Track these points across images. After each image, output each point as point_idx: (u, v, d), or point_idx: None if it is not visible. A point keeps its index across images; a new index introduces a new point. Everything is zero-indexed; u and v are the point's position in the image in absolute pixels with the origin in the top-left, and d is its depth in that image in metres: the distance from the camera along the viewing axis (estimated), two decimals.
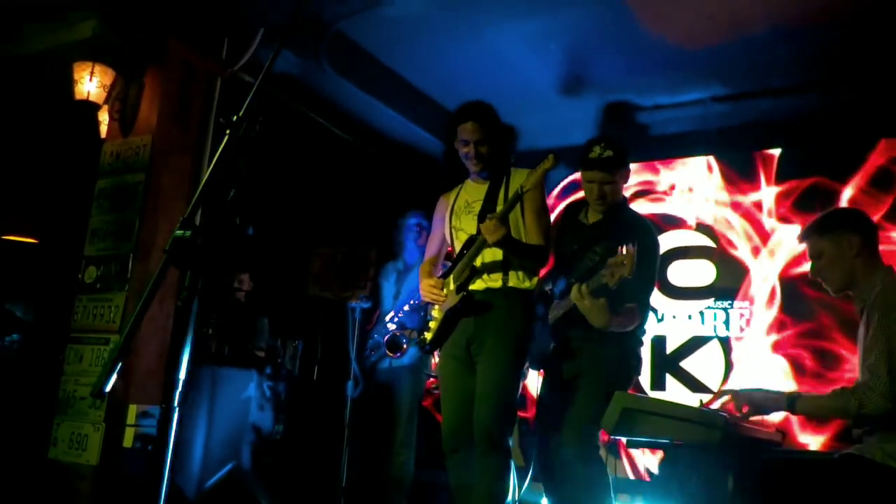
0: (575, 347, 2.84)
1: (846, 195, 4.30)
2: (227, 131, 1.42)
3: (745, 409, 2.38)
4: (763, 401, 2.38)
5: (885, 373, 2.13)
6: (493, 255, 2.82)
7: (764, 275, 4.47)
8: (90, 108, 3.86)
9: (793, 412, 2.35)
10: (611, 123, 4.80)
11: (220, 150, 1.41)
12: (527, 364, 2.90)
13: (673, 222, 4.82)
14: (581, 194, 3.03)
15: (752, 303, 4.46)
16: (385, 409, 4.17)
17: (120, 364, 1.15)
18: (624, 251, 2.42)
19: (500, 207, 2.80)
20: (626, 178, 2.94)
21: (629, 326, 2.77)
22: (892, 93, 4.17)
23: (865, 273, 2.34)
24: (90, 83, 3.79)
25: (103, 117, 4.14)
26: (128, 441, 3.46)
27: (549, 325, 2.91)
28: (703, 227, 4.74)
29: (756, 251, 4.53)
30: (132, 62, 3.96)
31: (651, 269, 2.80)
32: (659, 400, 2.52)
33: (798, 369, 4.24)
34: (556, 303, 2.92)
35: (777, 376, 4.27)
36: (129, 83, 3.95)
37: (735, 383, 4.35)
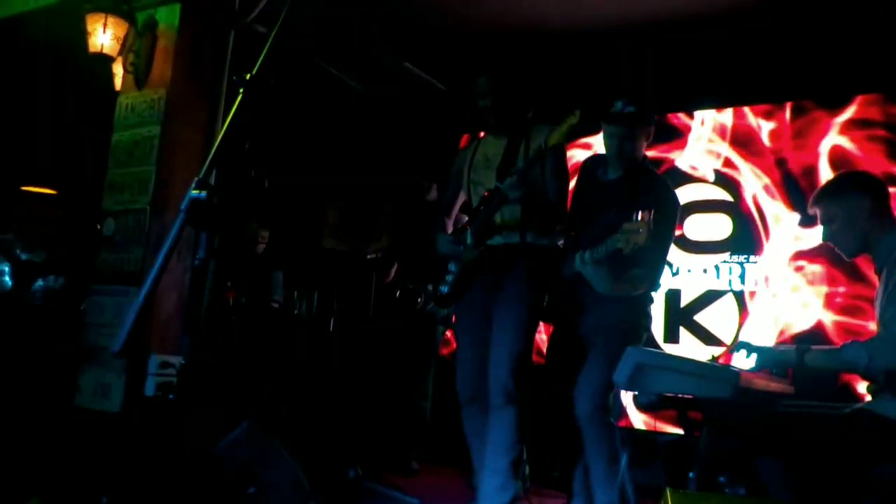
0: (586, 304, 2.85)
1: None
2: (241, 90, 1.41)
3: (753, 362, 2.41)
4: (772, 354, 2.40)
5: None
6: (511, 211, 2.82)
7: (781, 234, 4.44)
8: (104, 60, 3.84)
9: (802, 366, 2.35)
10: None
11: (233, 108, 1.41)
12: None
13: (687, 179, 4.77)
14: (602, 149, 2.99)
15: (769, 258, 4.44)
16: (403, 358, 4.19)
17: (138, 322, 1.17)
18: (640, 217, 2.39)
19: (520, 163, 2.78)
20: (648, 136, 2.87)
21: (636, 292, 2.77)
22: None
23: (880, 235, 2.32)
24: (104, 35, 3.77)
25: (117, 69, 4.12)
26: (149, 390, 3.56)
27: (563, 280, 2.91)
28: (721, 180, 4.69)
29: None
30: (146, 14, 3.92)
31: (668, 235, 2.79)
32: (671, 355, 2.53)
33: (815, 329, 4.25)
34: (569, 258, 2.92)
35: (792, 332, 4.28)
36: (142, 35, 3.92)
37: (748, 337, 4.37)
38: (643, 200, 2.54)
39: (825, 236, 2.46)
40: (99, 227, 3.96)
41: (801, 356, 2.32)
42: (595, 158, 3.11)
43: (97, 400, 3.63)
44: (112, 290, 3.77)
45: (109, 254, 3.83)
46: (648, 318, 2.90)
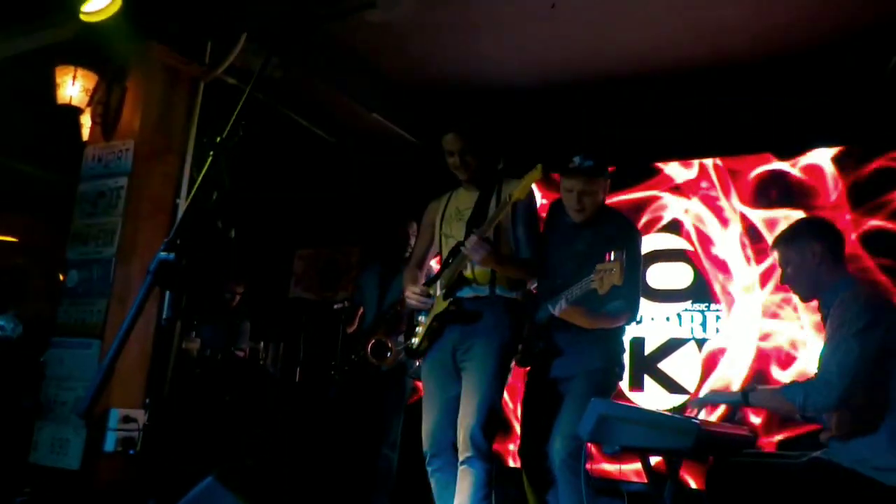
0: (562, 349, 2.86)
1: None
2: (211, 152, 1.44)
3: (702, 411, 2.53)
4: (717, 397, 2.57)
5: (835, 376, 2.22)
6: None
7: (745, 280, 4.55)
8: (72, 112, 3.85)
9: (747, 404, 2.48)
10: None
11: (203, 170, 1.44)
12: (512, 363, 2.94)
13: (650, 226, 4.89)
14: None
15: (729, 305, 4.54)
16: (372, 409, 4.13)
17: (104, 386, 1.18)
18: (612, 258, 2.44)
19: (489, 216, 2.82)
20: (606, 189, 2.92)
21: (615, 325, 2.83)
22: None
23: (828, 281, 2.41)
24: (72, 87, 3.79)
25: (85, 120, 4.13)
26: (109, 445, 3.47)
27: (537, 324, 2.92)
28: (678, 229, 4.81)
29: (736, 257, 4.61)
30: (114, 66, 3.95)
31: (638, 266, 2.88)
32: (633, 407, 2.58)
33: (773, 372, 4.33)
34: (542, 303, 2.96)
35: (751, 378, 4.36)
36: (111, 87, 3.94)
37: (711, 385, 4.44)
38: (614, 239, 2.64)
39: (783, 279, 2.55)
40: (62, 277, 3.92)
41: (745, 395, 2.46)
42: (560, 201, 3.16)
43: (54, 457, 3.53)
44: (73, 343, 3.70)
45: (72, 305, 3.77)
46: (622, 367, 2.92)
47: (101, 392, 1.17)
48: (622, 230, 2.88)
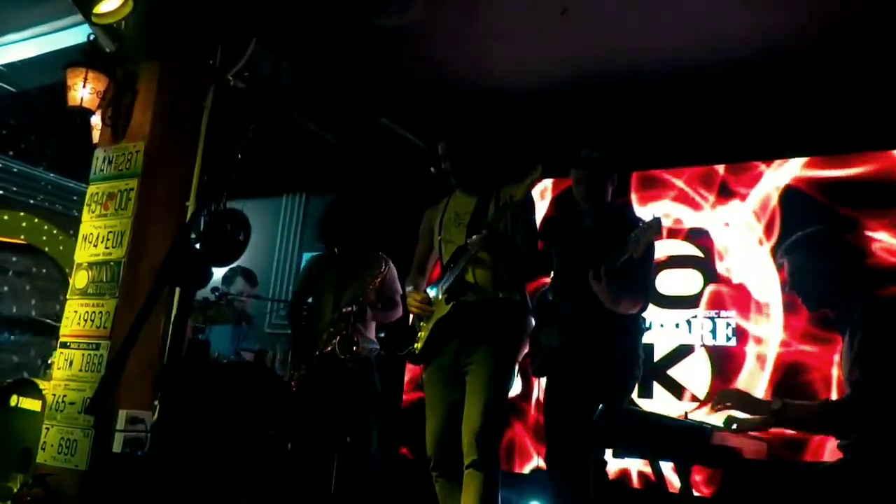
0: (578, 352, 2.91)
1: None
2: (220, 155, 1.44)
3: (727, 406, 2.41)
4: (747, 401, 2.40)
5: (867, 390, 2.18)
6: (482, 266, 2.84)
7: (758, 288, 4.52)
8: (83, 113, 3.87)
9: (778, 420, 2.33)
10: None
11: (212, 173, 1.43)
12: (517, 371, 2.94)
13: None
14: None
15: (739, 312, 4.51)
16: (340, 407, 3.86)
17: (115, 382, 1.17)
18: (645, 223, 2.76)
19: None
20: (613, 182, 3.12)
21: (633, 309, 2.93)
22: None
23: (846, 294, 2.37)
24: (83, 89, 3.80)
25: (96, 122, 4.14)
26: (117, 446, 3.47)
27: (551, 330, 2.99)
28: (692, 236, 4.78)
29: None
30: (125, 69, 3.97)
31: (651, 259, 3.02)
32: (645, 411, 2.56)
33: (786, 381, 4.29)
34: (556, 304, 3.04)
35: (763, 388, 4.32)
36: (121, 89, 3.95)
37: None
38: (626, 230, 2.80)
39: (789, 287, 2.48)
40: (71, 279, 3.92)
41: (777, 410, 2.29)
42: (570, 205, 3.29)
43: (63, 457, 3.53)
44: (81, 344, 3.70)
45: (80, 306, 3.78)
46: (640, 369, 3.00)
47: (110, 386, 1.16)
48: (634, 225, 2.94)
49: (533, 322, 2.94)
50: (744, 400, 2.41)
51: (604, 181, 3.07)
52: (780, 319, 4.38)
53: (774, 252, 2.66)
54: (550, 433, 3.05)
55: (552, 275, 3.26)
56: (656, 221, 2.73)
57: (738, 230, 4.63)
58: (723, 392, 2.50)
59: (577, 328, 2.90)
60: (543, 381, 3.27)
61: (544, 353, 3.00)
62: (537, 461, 4.76)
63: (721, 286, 4.61)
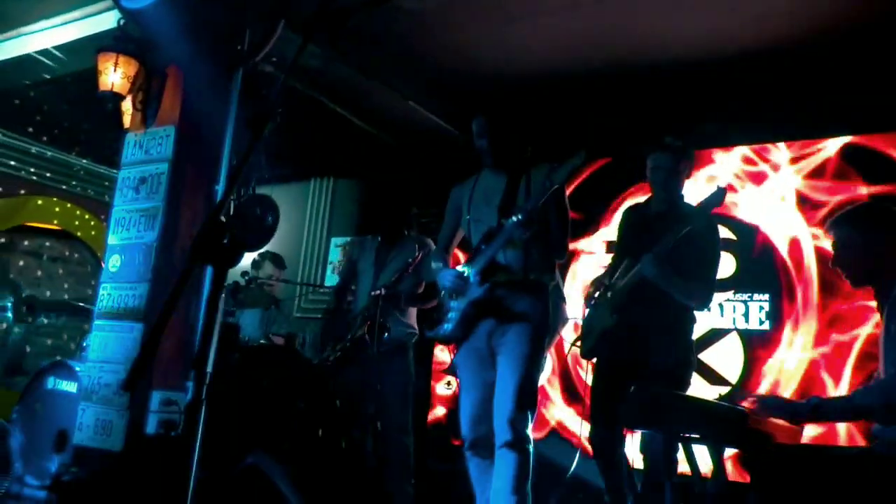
0: (634, 336, 3.00)
1: None
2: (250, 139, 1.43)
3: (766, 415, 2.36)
4: (785, 409, 2.34)
5: None
6: (514, 248, 2.83)
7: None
8: (114, 98, 3.90)
9: (816, 417, 2.30)
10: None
11: (242, 157, 1.42)
12: (547, 355, 2.96)
13: None
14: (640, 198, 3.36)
15: (772, 296, 4.43)
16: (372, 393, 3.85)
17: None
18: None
19: (520, 200, 2.81)
20: (689, 171, 3.28)
21: (693, 301, 3.05)
22: None
23: (891, 271, 2.32)
24: (114, 74, 3.83)
25: (126, 107, 4.17)
26: (151, 427, 3.52)
27: (605, 312, 3.10)
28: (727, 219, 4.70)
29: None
30: (155, 54, 3.99)
31: (716, 251, 3.15)
32: (679, 394, 2.52)
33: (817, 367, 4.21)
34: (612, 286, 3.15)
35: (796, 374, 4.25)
36: (151, 74, 3.98)
37: (754, 377, 4.34)
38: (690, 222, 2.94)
39: (835, 261, 2.43)
40: (104, 263, 3.97)
41: (815, 409, 2.25)
42: (636, 203, 3.46)
43: (99, 438, 3.59)
44: (115, 327, 3.76)
45: (114, 289, 3.83)
46: (692, 361, 3.10)
47: (144, 363, 1.17)
48: (700, 217, 3.01)
49: (565, 306, 2.95)
50: (782, 408, 2.36)
51: (681, 172, 3.20)
52: (816, 302, 4.29)
53: (822, 226, 2.61)
54: (596, 415, 3.09)
55: (611, 258, 3.39)
56: (720, 191, 2.87)
57: (774, 212, 4.55)
58: (762, 402, 2.42)
59: (634, 313, 2.95)
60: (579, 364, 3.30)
61: (597, 335, 3.04)
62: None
63: (754, 269, 4.53)
